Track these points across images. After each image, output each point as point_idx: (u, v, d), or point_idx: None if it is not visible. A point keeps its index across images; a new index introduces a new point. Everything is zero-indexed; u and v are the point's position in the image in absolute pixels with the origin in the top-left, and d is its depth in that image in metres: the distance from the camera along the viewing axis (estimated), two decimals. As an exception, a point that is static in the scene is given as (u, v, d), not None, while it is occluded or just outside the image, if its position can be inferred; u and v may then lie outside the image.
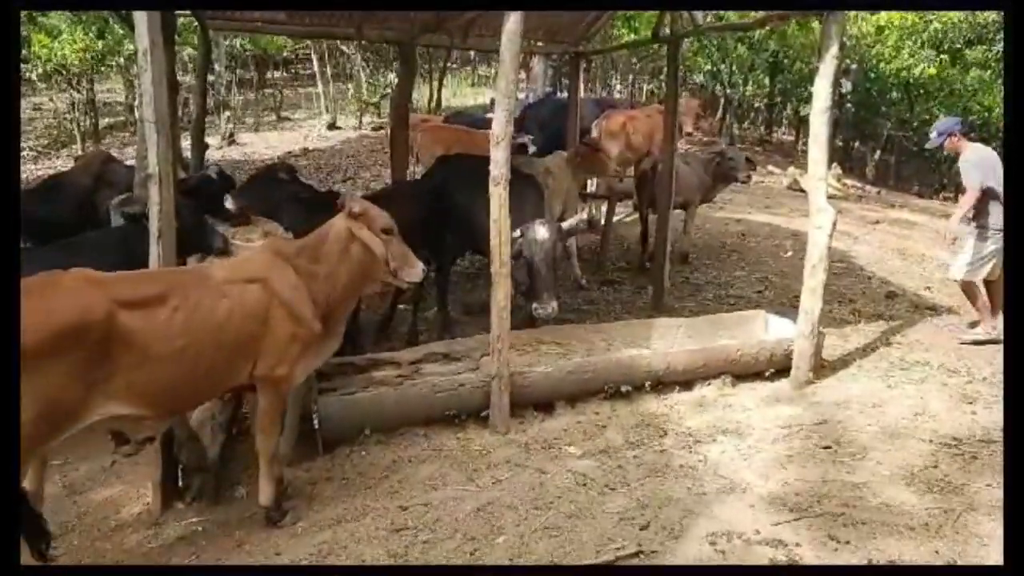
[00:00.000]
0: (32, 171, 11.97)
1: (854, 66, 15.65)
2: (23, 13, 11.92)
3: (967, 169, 5.53)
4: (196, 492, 3.70)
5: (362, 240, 3.40)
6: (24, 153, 13.18)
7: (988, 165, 5.47)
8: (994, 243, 5.46)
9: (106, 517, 3.63)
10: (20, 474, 2.67)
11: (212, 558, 3.25)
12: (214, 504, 3.68)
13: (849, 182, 13.48)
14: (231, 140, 14.83)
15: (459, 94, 19.35)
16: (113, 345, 2.76)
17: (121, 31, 12.76)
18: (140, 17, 3.31)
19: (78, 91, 14.58)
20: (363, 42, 12.86)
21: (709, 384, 4.78)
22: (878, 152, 17.93)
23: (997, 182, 5.38)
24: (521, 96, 14.20)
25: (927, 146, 6.06)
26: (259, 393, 3.30)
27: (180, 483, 3.71)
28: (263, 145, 14.76)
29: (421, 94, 17.33)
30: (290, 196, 5.35)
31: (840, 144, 16.24)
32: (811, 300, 4.69)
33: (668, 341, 5.07)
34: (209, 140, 10.57)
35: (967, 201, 5.53)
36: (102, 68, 14.79)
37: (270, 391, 3.28)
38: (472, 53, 19.71)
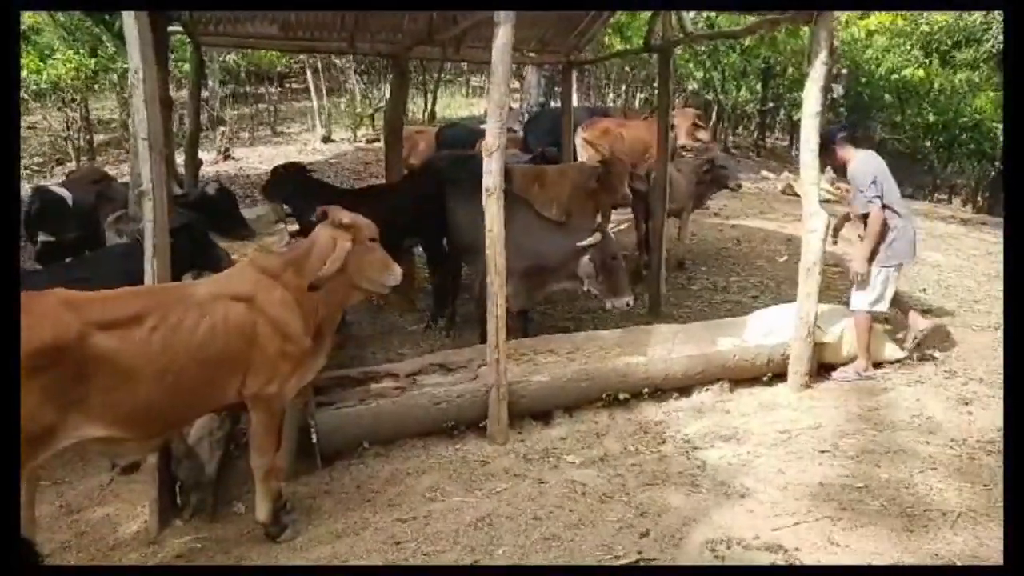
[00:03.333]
0: (28, 190, 11.96)
1: (845, 71, 15.74)
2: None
3: (862, 181, 4.75)
4: (194, 509, 3.68)
5: (346, 250, 3.33)
6: (20, 171, 13.17)
7: (883, 174, 4.81)
8: (890, 269, 4.86)
9: (104, 536, 3.60)
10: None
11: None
12: (212, 521, 3.66)
13: (843, 185, 13.45)
14: (226, 155, 14.84)
15: (453, 106, 19.42)
16: (87, 367, 2.71)
17: (113, 48, 12.79)
18: (131, 35, 3.32)
19: (72, 109, 14.58)
20: (356, 56, 12.90)
21: (707, 390, 4.79)
22: (871, 155, 17.99)
23: (891, 191, 4.82)
24: (515, 107, 14.28)
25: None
26: (251, 411, 3.24)
27: (178, 500, 3.69)
28: (258, 159, 14.77)
29: (415, 106, 17.40)
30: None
31: (833, 148, 16.28)
32: (807, 304, 4.70)
33: (665, 348, 5.07)
34: (204, 155, 10.62)
35: (874, 228, 4.74)
36: (96, 86, 14.80)
37: (262, 409, 3.22)
38: (465, 64, 19.80)
